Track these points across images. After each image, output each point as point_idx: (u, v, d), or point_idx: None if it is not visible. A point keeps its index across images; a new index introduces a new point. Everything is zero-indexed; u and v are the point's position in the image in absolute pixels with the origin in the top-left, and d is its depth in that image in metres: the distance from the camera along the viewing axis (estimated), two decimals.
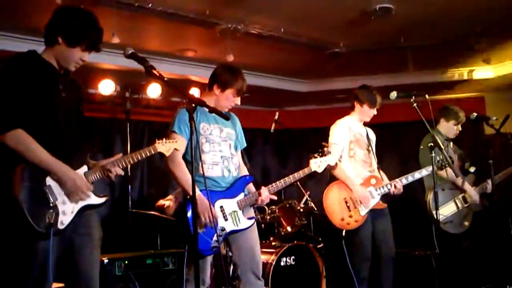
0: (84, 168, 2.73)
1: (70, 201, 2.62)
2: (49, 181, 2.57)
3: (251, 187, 3.66)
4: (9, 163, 2.50)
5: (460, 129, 4.87)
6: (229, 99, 3.51)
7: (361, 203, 4.21)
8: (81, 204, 2.67)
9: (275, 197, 3.68)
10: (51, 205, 2.54)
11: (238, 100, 3.55)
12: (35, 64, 2.65)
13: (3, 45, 4.86)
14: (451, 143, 4.89)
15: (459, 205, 4.63)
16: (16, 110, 2.51)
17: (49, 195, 2.55)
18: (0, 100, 2.51)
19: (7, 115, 2.50)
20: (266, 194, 3.57)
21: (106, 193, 2.83)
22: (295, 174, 3.71)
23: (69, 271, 2.68)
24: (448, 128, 4.85)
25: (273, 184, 3.64)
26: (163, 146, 3.03)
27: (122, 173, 2.82)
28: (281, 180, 3.66)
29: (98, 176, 2.75)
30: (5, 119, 2.50)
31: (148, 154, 2.95)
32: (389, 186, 4.26)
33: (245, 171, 3.72)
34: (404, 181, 4.29)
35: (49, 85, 2.65)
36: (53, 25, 2.68)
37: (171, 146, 3.07)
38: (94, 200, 2.75)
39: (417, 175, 4.32)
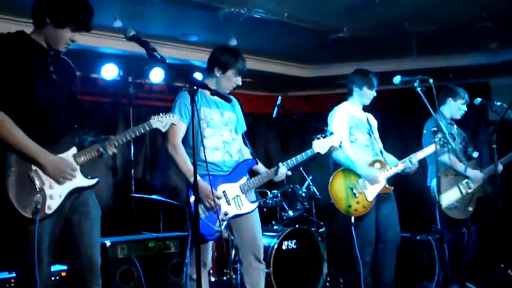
0: (73, 150, 2.70)
1: (58, 184, 2.60)
2: (35, 166, 2.55)
3: (261, 167, 3.67)
4: (2, 148, 2.49)
5: (466, 109, 4.84)
6: (231, 80, 3.52)
7: (371, 184, 4.20)
8: (69, 187, 2.65)
9: (289, 173, 3.72)
10: (37, 189, 2.53)
11: (239, 80, 3.56)
12: (24, 44, 2.61)
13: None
14: (455, 126, 4.87)
15: (463, 190, 4.62)
16: (1, 93, 2.48)
17: (35, 180, 2.53)
18: None
19: None
20: (284, 170, 3.60)
21: (97, 175, 2.79)
22: (298, 156, 3.71)
23: (70, 251, 2.70)
24: (455, 108, 4.81)
25: (288, 160, 3.65)
26: (159, 122, 2.95)
27: (115, 151, 2.78)
28: (293, 158, 3.68)
29: (90, 156, 2.72)
30: None
31: (143, 131, 2.89)
32: (393, 169, 4.25)
33: (247, 155, 3.73)
34: (418, 157, 4.26)
35: (38, 66, 2.62)
36: (40, 6, 2.64)
37: (168, 121, 2.98)
38: (83, 182, 2.72)
39: (426, 150, 4.29)
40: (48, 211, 2.54)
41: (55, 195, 2.58)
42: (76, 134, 2.76)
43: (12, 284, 3.97)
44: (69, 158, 2.67)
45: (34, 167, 2.54)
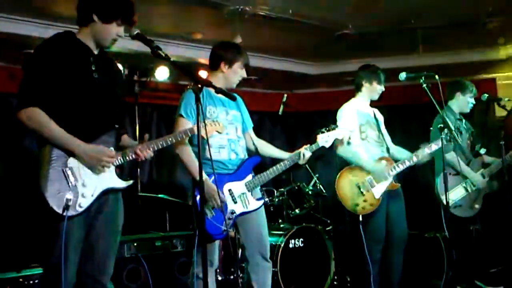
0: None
1: (92, 181, 2.60)
2: (71, 162, 2.57)
3: (283, 153, 3.71)
4: (43, 143, 2.54)
5: (474, 102, 4.79)
6: (237, 73, 3.58)
7: (376, 182, 4.17)
8: (102, 187, 2.65)
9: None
10: (70, 186, 2.54)
11: (244, 73, 3.61)
12: (68, 44, 2.66)
13: (8, 28, 4.83)
14: (463, 120, 4.81)
15: (468, 189, 4.58)
16: (38, 89, 2.53)
17: (70, 176, 2.55)
18: (25, 78, 2.55)
19: (27, 92, 2.53)
20: (309, 154, 3.64)
21: (131, 177, 2.81)
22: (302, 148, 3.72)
23: (84, 254, 2.67)
24: (464, 102, 4.77)
25: (313, 145, 3.70)
26: (203, 129, 3.02)
27: (152, 154, 2.83)
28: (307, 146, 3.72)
29: (127, 158, 2.74)
30: (24, 97, 2.53)
31: (185, 137, 3.03)
32: (400, 166, 4.22)
33: (268, 146, 3.79)
34: (428, 150, 4.22)
35: (80, 65, 2.65)
36: (86, 4, 2.69)
37: (211, 130, 3.10)
38: (117, 183, 2.72)
39: (433, 146, 4.23)
40: (78, 209, 2.55)
41: (87, 193, 2.59)
42: (115, 134, 2.77)
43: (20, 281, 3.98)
44: (100, 147, 2.67)
45: (70, 164, 2.56)
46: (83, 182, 2.59)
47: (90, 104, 2.66)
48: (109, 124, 2.75)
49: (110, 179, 2.70)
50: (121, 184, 2.74)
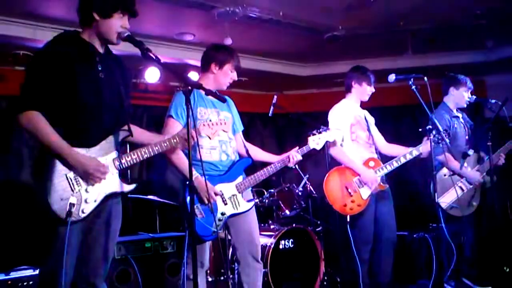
0: (114, 154, 2.68)
1: (93, 187, 2.57)
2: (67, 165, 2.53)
3: (272, 156, 3.72)
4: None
5: (470, 96, 4.77)
6: (227, 74, 3.57)
7: (367, 185, 4.19)
8: (105, 192, 2.62)
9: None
10: (73, 192, 2.51)
11: (235, 75, 3.61)
12: (73, 44, 2.62)
13: None
14: (461, 115, 4.81)
15: (464, 188, 4.60)
16: (37, 92, 2.49)
17: (73, 182, 2.52)
18: (27, 80, 2.51)
19: (26, 96, 2.49)
20: (299, 157, 3.65)
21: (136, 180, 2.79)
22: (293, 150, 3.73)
23: (82, 255, 2.65)
24: (459, 96, 4.75)
25: (304, 147, 3.71)
26: (208, 129, 3.03)
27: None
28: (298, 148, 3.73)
29: (131, 161, 2.70)
30: (23, 100, 2.49)
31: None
32: (388, 167, 4.25)
33: (257, 150, 3.79)
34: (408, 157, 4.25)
35: (84, 65, 2.61)
36: (84, 5, 2.66)
37: (218, 129, 3.07)
38: (120, 187, 2.68)
39: (422, 148, 4.26)
40: (81, 215, 2.53)
41: (90, 199, 2.57)
42: (120, 136, 2.72)
43: (8, 284, 3.96)
44: (108, 161, 2.64)
45: (73, 169, 2.52)
46: (86, 188, 2.56)
47: (94, 105, 2.61)
48: (114, 126, 2.71)
49: (114, 184, 2.66)
50: (124, 188, 2.70)
